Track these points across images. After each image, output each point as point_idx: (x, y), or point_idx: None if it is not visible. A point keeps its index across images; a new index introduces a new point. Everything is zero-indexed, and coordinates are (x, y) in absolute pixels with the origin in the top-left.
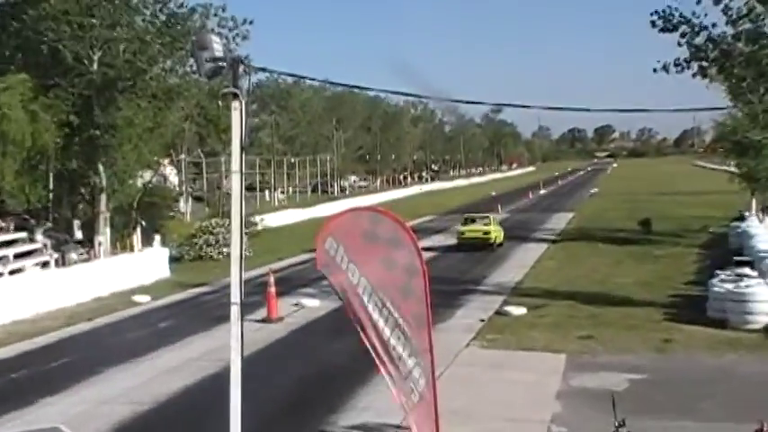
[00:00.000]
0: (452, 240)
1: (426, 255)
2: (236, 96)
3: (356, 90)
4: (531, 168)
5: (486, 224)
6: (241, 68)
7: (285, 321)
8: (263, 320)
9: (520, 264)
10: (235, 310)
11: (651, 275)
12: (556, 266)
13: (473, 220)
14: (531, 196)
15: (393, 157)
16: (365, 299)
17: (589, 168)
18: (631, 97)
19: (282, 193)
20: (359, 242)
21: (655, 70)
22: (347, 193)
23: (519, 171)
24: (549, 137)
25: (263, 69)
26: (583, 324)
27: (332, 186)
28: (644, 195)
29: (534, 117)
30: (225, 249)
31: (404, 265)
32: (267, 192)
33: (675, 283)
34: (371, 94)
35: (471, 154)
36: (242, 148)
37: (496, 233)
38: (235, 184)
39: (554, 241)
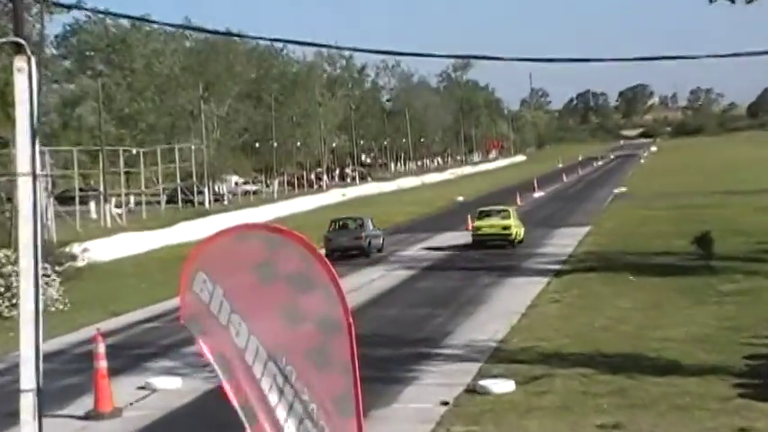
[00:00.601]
0: (400, 272)
1: (355, 297)
2: (20, 49)
3: (236, 39)
4: (519, 158)
5: (504, 217)
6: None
7: (125, 417)
8: (89, 416)
9: (505, 310)
10: (28, 403)
11: (713, 325)
12: (561, 313)
13: (489, 214)
14: (520, 202)
15: (298, 144)
16: (257, 371)
17: (612, 156)
18: (672, 42)
19: (119, 206)
20: (247, 281)
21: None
22: (226, 203)
23: (501, 162)
24: (548, 108)
25: (77, 7)
26: (605, 406)
27: (200, 193)
28: (700, 197)
29: (523, 78)
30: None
31: (318, 318)
32: (94, 204)
33: (753, 337)
34: (261, 44)
35: (425, 137)
36: (34, 134)
37: (517, 228)
38: (24, 194)
39: (558, 273)
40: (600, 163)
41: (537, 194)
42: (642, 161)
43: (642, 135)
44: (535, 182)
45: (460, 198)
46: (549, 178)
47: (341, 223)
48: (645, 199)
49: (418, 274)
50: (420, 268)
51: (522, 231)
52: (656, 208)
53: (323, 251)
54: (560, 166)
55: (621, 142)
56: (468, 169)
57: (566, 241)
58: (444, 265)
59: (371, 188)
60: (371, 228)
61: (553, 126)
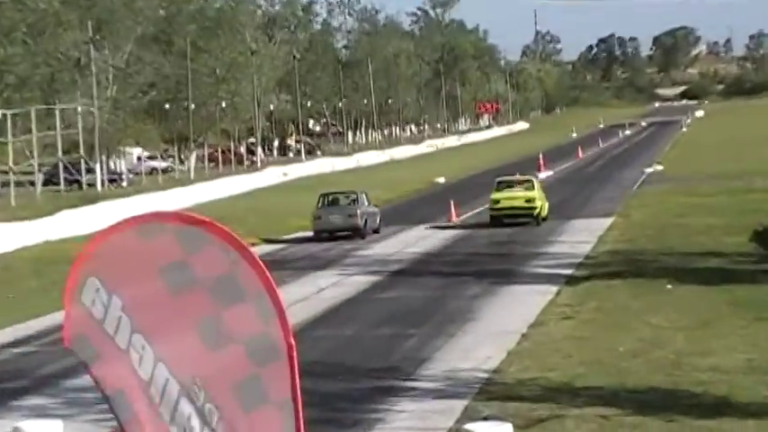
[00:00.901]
0: (359, 278)
1: (299, 312)
2: None
3: None
4: (520, 125)
5: (528, 188)
6: None
7: None
8: None
9: (499, 329)
10: None
11: None
12: (575, 334)
13: (509, 185)
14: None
15: (223, 105)
16: (165, 411)
17: (644, 123)
18: None
19: None
20: (154, 290)
21: None
22: (125, 184)
23: (495, 131)
24: (559, 59)
25: None
26: None
27: (90, 171)
28: (760, 179)
29: (525, 17)
30: None
31: (248, 339)
32: None
33: None
34: None
35: (393, 98)
36: None
37: (541, 202)
38: None
39: (571, 280)
40: (628, 132)
41: (543, 174)
42: (684, 130)
43: (684, 95)
44: (540, 158)
45: (441, 179)
46: (560, 153)
47: (330, 199)
48: (687, 181)
49: (383, 281)
50: (386, 273)
51: (546, 207)
52: (702, 193)
53: (310, 232)
54: (574, 136)
55: (657, 105)
56: (451, 141)
57: (581, 237)
58: (419, 269)
59: (322, 165)
60: (367, 204)
61: (565, 83)
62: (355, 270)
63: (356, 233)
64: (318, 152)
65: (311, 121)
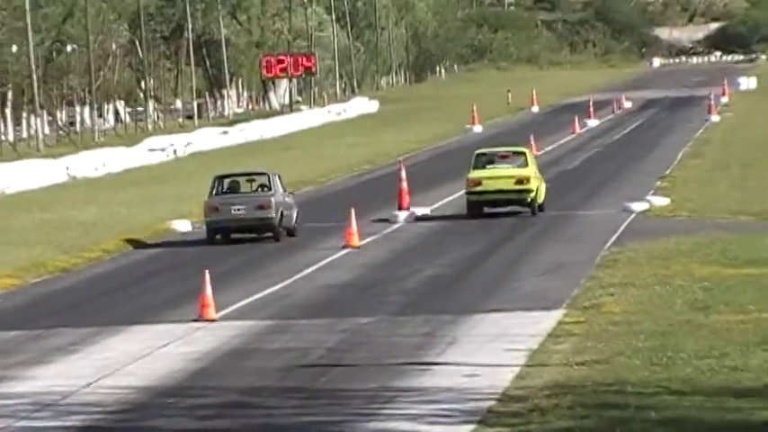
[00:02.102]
0: None
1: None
2: None
3: None
4: (354, 106)
5: (520, 165)
6: None
7: None
8: None
9: None
10: None
11: None
12: None
13: (494, 159)
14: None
15: None
16: None
17: (628, 104)
18: None
19: None
20: None
21: None
22: None
23: (298, 121)
24: None
25: None
26: None
27: None
28: None
29: None
30: None
31: None
32: None
33: None
34: None
35: None
36: None
37: (538, 183)
38: None
39: None
40: (592, 123)
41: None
42: (713, 119)
43: (714, 42)
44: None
45: None
46: (440, 175)
47: (230, 183)
48: (715, 231)
49: None
50: None
51: (543, 189)
52: (749, 260)
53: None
54: (477, 131)
55: (656, 63)
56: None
57: (490, 355)
58: None
59: None
60: (281, 192)
61: (456, 14)
62: None
63: (271, 232)
64: None
65: None
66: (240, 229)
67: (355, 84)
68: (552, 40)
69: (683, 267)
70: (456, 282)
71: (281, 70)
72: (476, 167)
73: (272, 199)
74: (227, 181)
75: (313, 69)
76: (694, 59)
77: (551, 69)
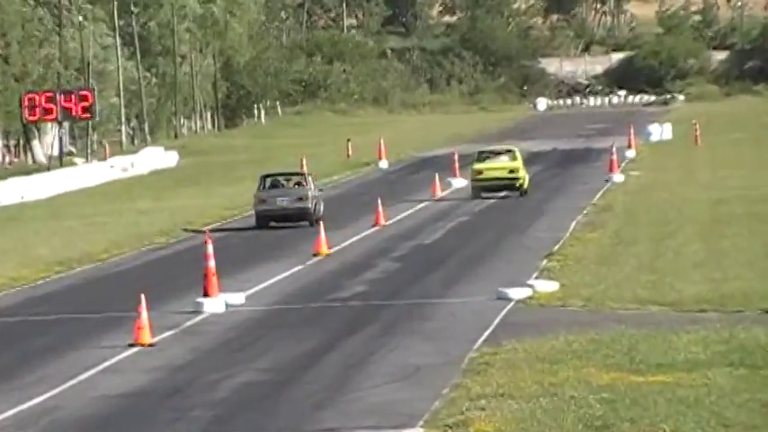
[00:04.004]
0: None
1: None
2: None
3: None
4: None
5: (511, 158)
6: None
7: None
8: None
9: None
10: None
11: None
12: None
13: (492, 155)
14: None
15: None
16: None
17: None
18: None
19: None
20: None
21: None
22: None
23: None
24: None
25: None
26: None
27: None
28: None
29: None
30: None
31: None
32: None
33: None
34: None
35: None
36: None
37: (524, 173)
38: None
39: None
40: (462, 182)
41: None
42: (620, 178)
43: (616, 79)
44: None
45: None
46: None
47: (273, 180)
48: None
49: None
50: None
51: (527, 178)
52: (651, 371)
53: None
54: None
55: (544, 104)
56: None
57: None
58: None
59: None
60: (314, 188)
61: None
62: None
63: (307, 220)
64: None
65: None
66: (284, 216)
67: (147, 129)
68: (406, 74)
69: (576, 373)
70: (279, 390)
71: (49, 111)
72: (479, 160)
73: (309, 193)
74: (270, 179)
75: (92, 109)
76: (591, 101)
77: (405, 113)
